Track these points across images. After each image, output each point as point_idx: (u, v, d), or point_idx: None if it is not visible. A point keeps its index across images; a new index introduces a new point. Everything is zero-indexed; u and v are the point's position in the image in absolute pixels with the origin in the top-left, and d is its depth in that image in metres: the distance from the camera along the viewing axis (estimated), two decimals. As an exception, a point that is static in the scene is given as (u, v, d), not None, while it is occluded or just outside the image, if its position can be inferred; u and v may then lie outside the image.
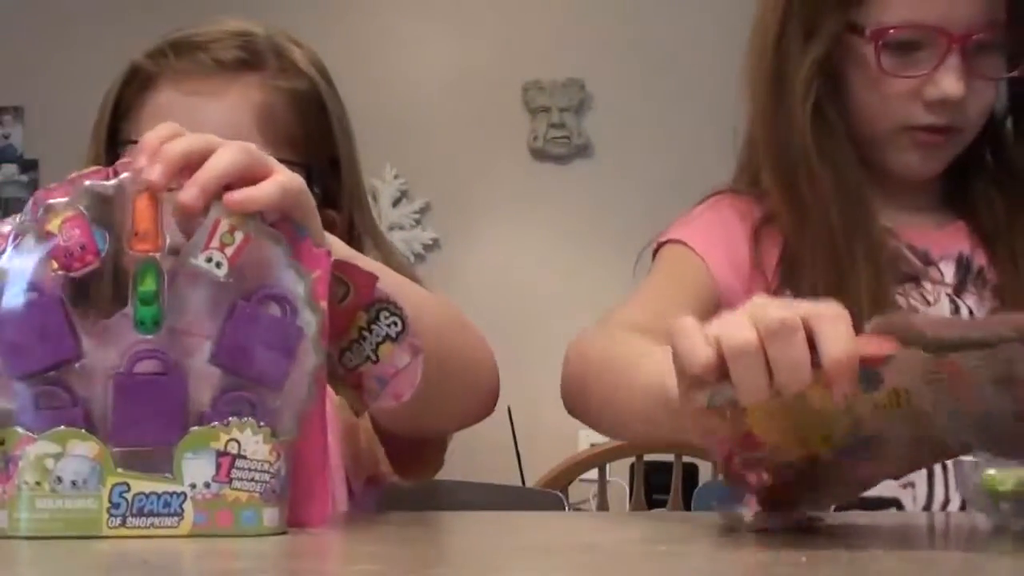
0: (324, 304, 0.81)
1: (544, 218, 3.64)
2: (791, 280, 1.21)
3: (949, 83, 1.16)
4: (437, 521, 1.02)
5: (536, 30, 3.68)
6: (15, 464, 0.76)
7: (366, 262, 0.91)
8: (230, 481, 0.77)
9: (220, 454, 0.77)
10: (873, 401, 0.76)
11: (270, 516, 0.78)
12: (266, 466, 0.77)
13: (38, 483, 0.76)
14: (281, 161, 1.14)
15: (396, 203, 3.64)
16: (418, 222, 3.68)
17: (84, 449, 0.76)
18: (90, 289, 0.80)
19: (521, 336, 3.58)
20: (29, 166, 3.78)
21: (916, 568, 0.74)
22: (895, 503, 1.17)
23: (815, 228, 1.19)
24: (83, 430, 0.76)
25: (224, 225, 0.79)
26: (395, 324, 0.86)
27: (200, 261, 0.79)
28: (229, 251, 0.79)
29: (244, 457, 0.77)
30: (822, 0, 1.20)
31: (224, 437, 0.77)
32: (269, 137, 1.15)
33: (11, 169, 3.81)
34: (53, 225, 0.78)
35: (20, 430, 0.76)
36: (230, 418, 0.77)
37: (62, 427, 0.76)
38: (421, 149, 3.61)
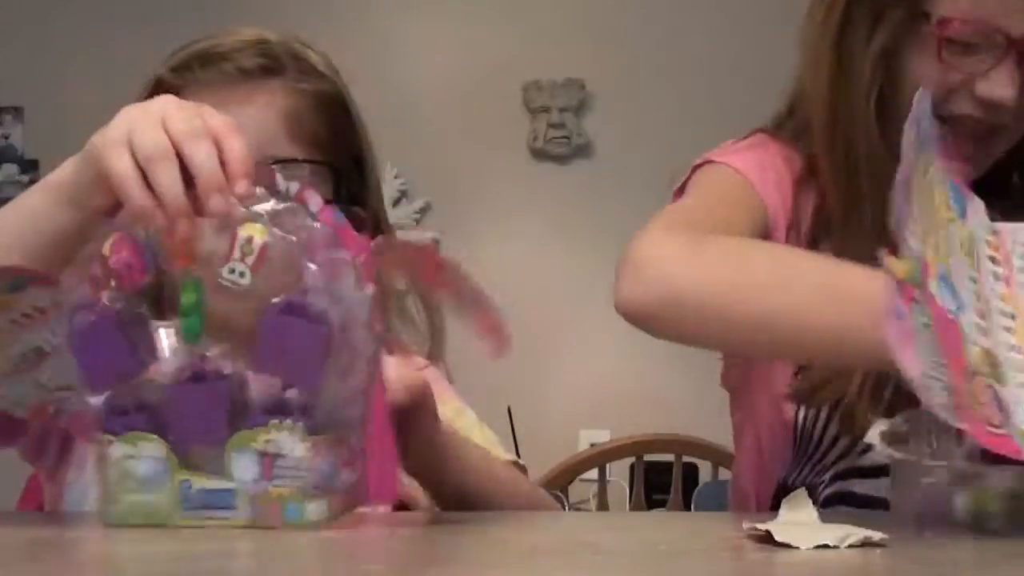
0: (371, 287, 0.84)
1: (544, 218, 3.65)
2: (824, 237, 1.20)
3: (1000, 84, 1.16)
4: (437, 521, 1.02)
5: (536, 30, 3.68)
6: (104, 463, 0.85)
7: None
8: (272, 479, 0.83)
9: (261, 454, 0.83)
10: None
11: (314, 509, 0.83)
12: (304, 463, 0.82)
13: (120, 479, 0.84)
14: (309, 162, 1.16)
15: (396, 203, 3.64)
16: (418, 222, 3.68)
17: (152, 450, 0.84)
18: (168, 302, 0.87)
19: (521, 336, 3.57)
20: (29, 166, 3.78)
21: (918, 568, 0.74)
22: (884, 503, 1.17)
23: (864, 223, 1.18)
24: (148, 432, 0.84)
25: (242, 236, 0.83)
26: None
27: (224, 273, 0.83)
28: (250, 260, 0.83)
29: (283, 456, 0.82)
30: None
31: (262, 438, 0.82)
32: (297, 139, 1.17)
33: (11, 169, 3.81)
34: (105, 248, 0.85)
35: (104, 435, 0.85)
36: (271, 420, 0.83)
37: (130, 431, 0.84)
38: (421, 149, 3.61)
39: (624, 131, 3.64)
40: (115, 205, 0.89)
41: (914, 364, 0.84)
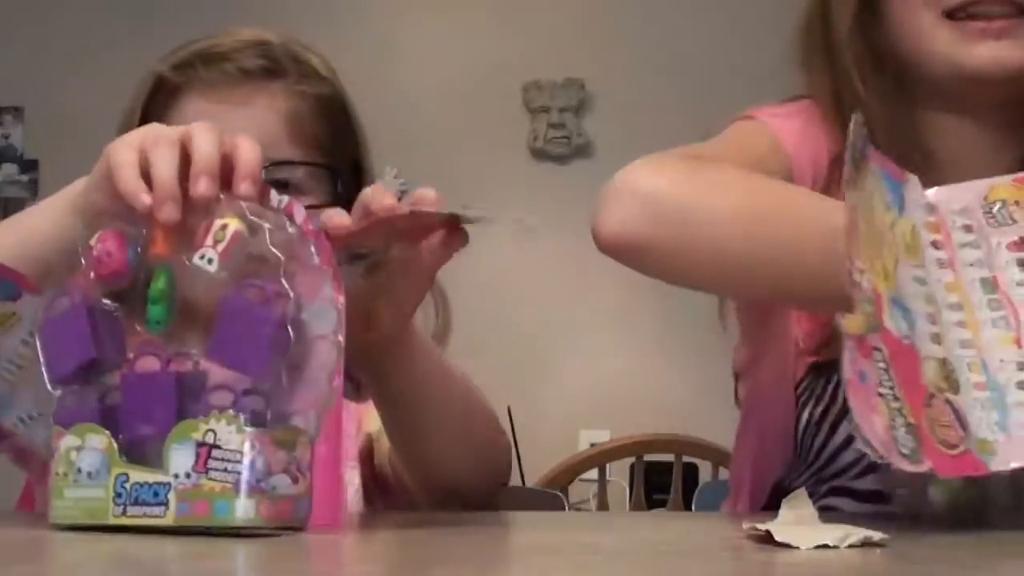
0: (342, 299, 0.81)
1: (544, 218, 3.65)
2: None
3: None
4: (437, 521, 1.02)
5: (536, 30, 3.68)
6: (53, 458, 0.82)
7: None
8: (207, 471, 0.78)
9: (199, 444, 0.78)
10: None
11: (243, 507, 0.77)
12: (238, 456, 0.77)
13: (65, 474, 0.81)
14: (309, 164, 1.16)
15: (396, 203, 3.65)
16: (418, 222, 3.68)
17: (96, 441, 0.80)
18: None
19: (521, 336, 3.58)
20: (29, 166, 3.79)
21: (918, 568, 0.74)
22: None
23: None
24: (96, 424, 0.81)
25: (216, 223, 0.81)
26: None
27: (195, 259, 0.81)
28: (220, 247, 0.81)
29: (219, 447, 0.78)
30: None
31: (203, 428, 0.78)
32: (298, 142, 1.18)
33: (11, 169, 3.81)
34: (93, 239, 0.83)
35: (57, 427, 0.82)
36: (212, 410, 0.78)
37: (82, 422, 0.81)
38: (421, 149, 3.61)
39: (624, 131, 3.64)
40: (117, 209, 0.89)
41: (878, 430, 0.82)
